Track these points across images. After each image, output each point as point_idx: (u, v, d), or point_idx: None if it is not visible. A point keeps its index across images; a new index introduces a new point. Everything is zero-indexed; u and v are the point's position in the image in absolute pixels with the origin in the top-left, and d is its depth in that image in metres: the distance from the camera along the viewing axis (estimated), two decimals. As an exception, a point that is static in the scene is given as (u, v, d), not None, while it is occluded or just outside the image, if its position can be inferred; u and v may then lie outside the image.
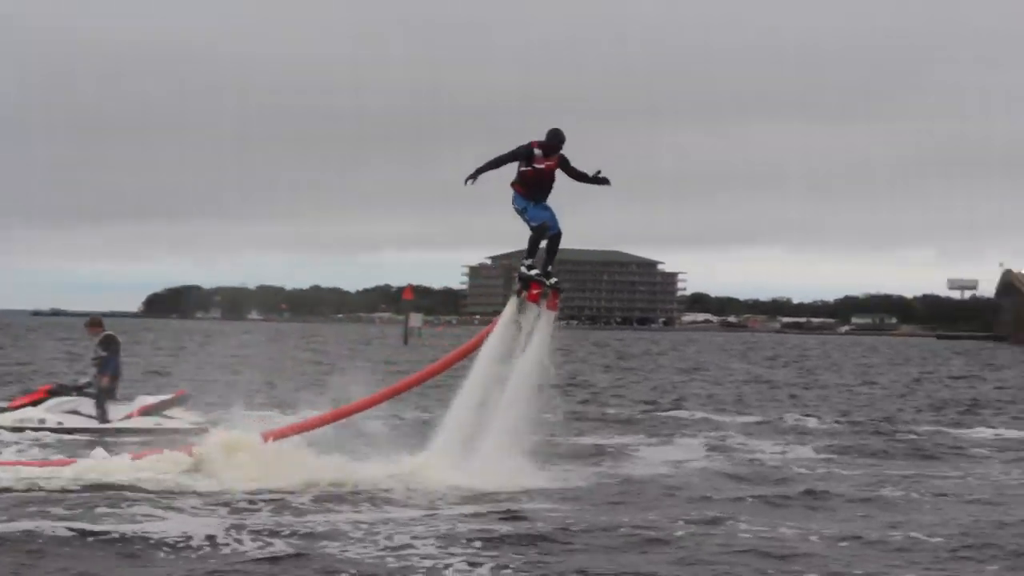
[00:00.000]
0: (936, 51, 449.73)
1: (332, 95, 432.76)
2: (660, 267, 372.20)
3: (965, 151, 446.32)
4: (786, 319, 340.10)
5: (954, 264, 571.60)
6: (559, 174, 21.45)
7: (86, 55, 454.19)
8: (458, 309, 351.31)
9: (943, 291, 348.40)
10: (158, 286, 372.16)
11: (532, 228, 21.54)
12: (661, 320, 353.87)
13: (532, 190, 21.32)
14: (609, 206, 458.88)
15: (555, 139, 21.21)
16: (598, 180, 21.68)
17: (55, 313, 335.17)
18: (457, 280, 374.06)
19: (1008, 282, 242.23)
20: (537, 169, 21.19)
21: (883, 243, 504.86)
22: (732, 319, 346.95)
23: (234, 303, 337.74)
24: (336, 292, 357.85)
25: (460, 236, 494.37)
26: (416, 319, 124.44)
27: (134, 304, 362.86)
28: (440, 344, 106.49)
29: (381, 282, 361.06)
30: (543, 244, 21.87)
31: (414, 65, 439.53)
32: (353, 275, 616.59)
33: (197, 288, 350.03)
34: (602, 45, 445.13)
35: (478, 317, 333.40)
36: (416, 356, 77.12)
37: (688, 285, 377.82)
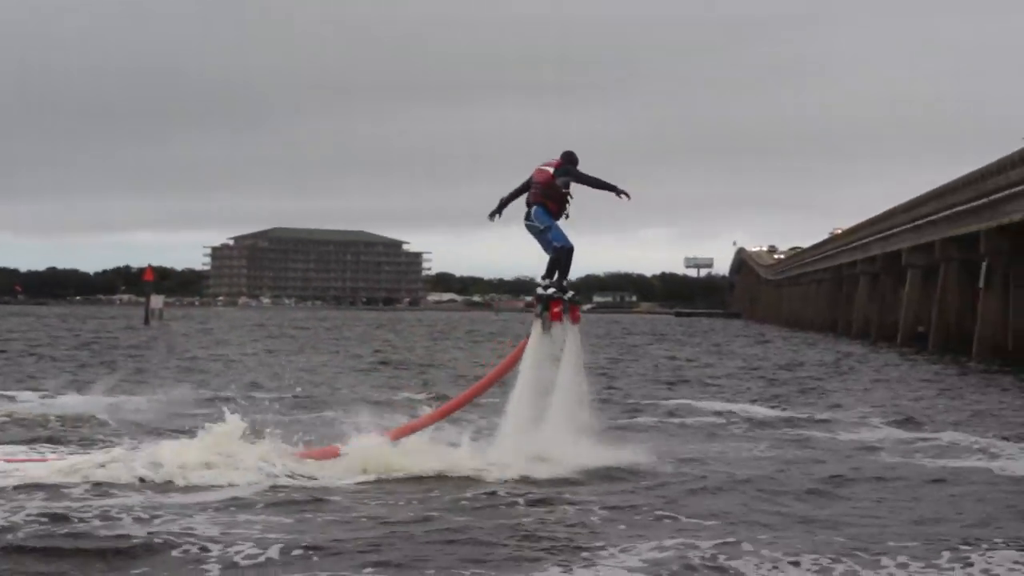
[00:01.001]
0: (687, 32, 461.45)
1: (68, 69, 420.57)
2: (405, 247, 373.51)
3: (700, 134, 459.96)
4: (529, 298, 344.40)
5: (690, 243, 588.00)
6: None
7: None
8: (200, 290, 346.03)
9: (680, 269, 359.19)
10: None
11: (555, 248, 21.60)
12: (407, 300, 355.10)
13: (559, 208, 21.48)
14: (354, 186, 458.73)
15: (571, 160, 21.57)
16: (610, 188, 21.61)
17: None
18: (199, 261, 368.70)
19: (741, 260, 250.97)
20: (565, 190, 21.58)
21: (622, 223, 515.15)
22: (477, 298, 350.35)
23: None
24: (74, 273, 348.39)
25: (202, 217, 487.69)
26: (157, 300, 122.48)
27: None
28: (183, 326, 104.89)
29: (121, 263, 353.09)
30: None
31: (157, 43, 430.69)
32: (92, 256, 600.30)
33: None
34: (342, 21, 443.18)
35: (221, 298, 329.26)
36: (158, 336, 75.87)
37: (433, 265, 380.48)
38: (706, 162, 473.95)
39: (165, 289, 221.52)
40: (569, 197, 21.45)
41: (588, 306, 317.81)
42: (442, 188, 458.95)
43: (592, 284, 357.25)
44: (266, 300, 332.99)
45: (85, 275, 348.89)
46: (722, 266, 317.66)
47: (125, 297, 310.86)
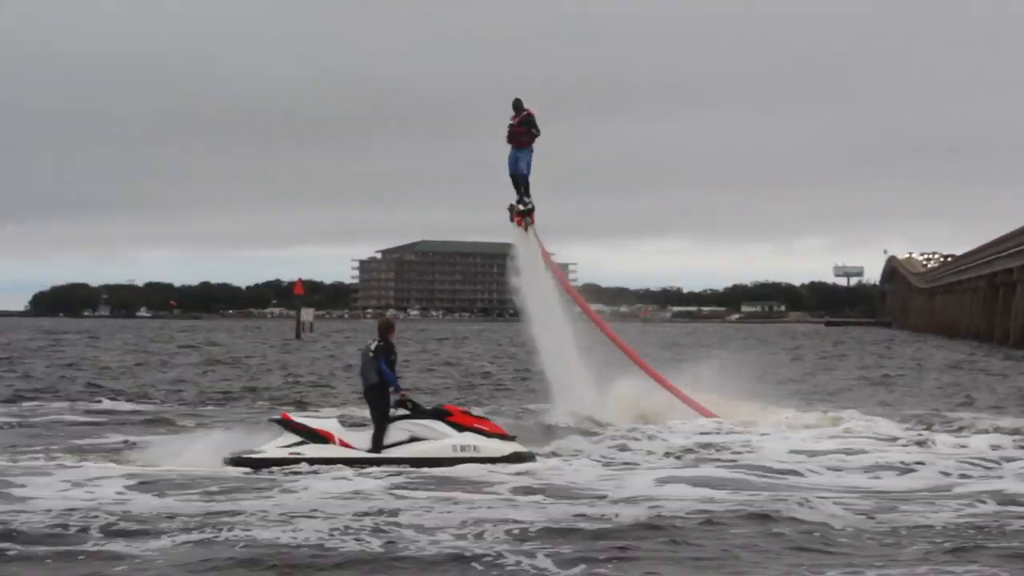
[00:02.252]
0: (827, 43, 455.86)
1: (208, 87, 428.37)
2: (553, 258, 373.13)
3: (851, 141, 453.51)
4: (677, 308, 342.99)
5: (840, 252, 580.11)
6: None
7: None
8: (349, 304, 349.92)
9: (830, 278, 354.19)
10: (44, 284, 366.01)
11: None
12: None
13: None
14: (500, 200, 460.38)
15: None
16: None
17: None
18: (347, 275, 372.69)
19: (892, 268, 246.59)
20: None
21: (771, 232, 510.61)
22: (624, 309, 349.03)
23: (123, 301, 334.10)
24: (226, 288, 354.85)
25: (350, 231, 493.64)
26: (308, 314, 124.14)
27: (20, 303, 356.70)
28: (332, 338, 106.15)
29: (272, 277, 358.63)
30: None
31: (299, 56, 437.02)
32: (243, 271, 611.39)
33: (84, 286, 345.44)
34: (511, 33, 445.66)
35: (369, 311, 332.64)
36: (307, 350, 76.85)
37: (579, 276, 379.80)
38: (861, 169, 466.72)
39: (315, 302, 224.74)
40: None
41: (734, 316, 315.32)
42: (588, 200, 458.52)
43: (740, 294, 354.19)
44: (414, 312, 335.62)
45: (237, 289, 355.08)
46: (872, 274, 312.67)
47: (276, 311, 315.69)
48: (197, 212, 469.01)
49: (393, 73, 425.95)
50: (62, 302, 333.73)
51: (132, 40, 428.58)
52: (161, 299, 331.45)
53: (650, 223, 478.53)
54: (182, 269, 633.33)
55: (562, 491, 18.65)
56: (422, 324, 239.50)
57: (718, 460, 22.67)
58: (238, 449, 21.56)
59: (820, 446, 24.76)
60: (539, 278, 31.90)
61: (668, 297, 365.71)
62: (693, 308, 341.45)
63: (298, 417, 22.75)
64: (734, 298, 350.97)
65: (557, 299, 31.82)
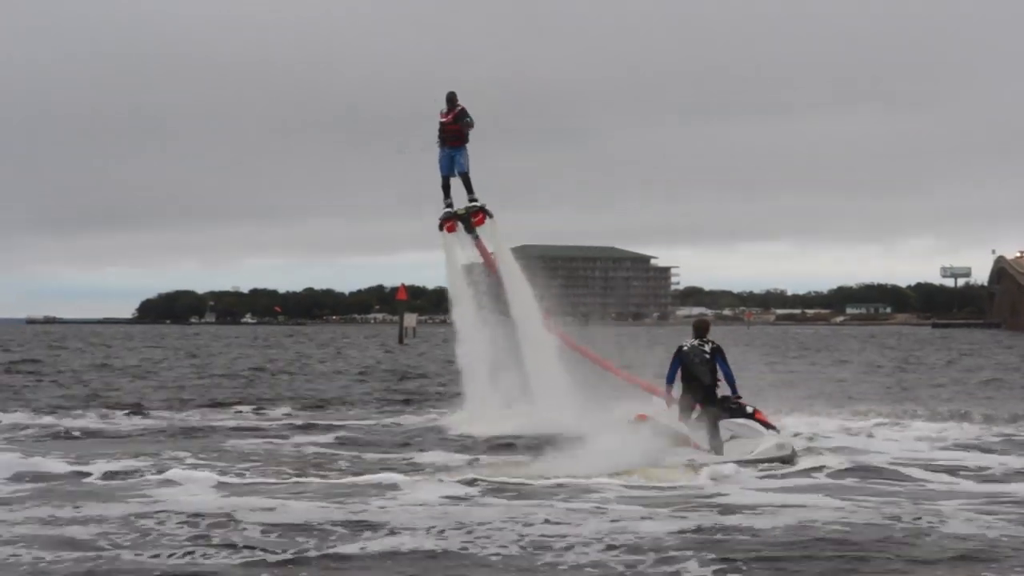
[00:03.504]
0: (936, 39, 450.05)
1: (320, 93, 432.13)
2: (653, 262, 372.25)
3: (957, 140, 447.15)
4: (780, 311, 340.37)
5: (947, 253, 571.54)
6: None
7: (84, 57, 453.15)
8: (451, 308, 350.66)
9: (936, 279, 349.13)
10: (151, 292, 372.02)
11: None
12: (655, 315, 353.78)
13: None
14: (603, 202, 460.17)
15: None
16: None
17: (48, 321, 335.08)
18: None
19: (1000, 269, 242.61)
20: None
21: (875, 233, 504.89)
22: (727, 312, 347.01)
23: (228, 307, 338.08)
24: (330, 294, 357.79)
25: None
26: (411, 319, 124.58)
27: (127, 311, 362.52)
28: (434, 343, 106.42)
29: (374, 283, 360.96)
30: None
31: (407, 60, 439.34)
32: (347, 277, 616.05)
33: (191, 293, 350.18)
34: (600, 39, 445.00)
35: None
36: (407, 356, 76.98)
37: (681, 279, 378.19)
38: (968, 168, 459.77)
39: (418, 308, 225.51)
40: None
41: (839, 318, 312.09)
42: (693, 202, 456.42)
43: (844, 296, 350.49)
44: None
45: (340, 295, 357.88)
46: (980, 275, 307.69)
47: (379, 316, 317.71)
48: (302, 218, 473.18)
49: (504, 75, 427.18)
50: (168, 309, 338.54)
51: (244, 48, 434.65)
52: (266, 305, 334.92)
53: (754, 225, 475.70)
54: (286, 275, 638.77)
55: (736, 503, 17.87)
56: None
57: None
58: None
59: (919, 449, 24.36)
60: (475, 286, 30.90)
61: (771, 300, 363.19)
62: (797, 311, 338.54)
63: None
64: (839, 300, 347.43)
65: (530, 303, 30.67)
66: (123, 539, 14.84)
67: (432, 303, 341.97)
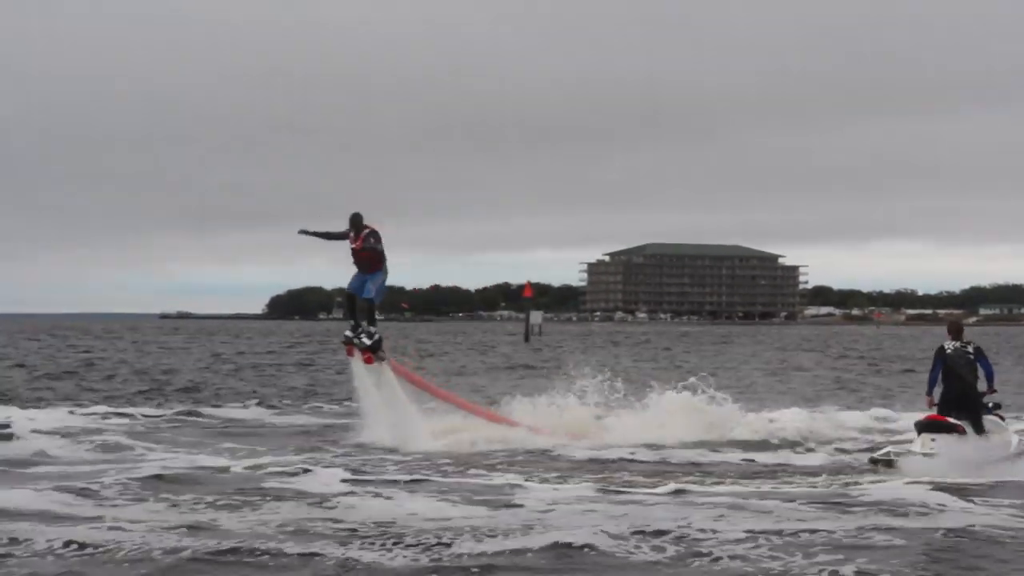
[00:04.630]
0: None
1: (447, 96, 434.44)
2: (781, 260, 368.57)
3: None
4: (911, 311, 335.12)
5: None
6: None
7: (223, 62, 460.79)
8: (577, 306, 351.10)
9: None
10: (280, 289, 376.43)
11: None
12: (783, 314, 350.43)
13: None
14: (727, 202, 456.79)
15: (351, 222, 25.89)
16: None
17: (181, 316, 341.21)
18: (576, 277, 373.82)
19: None
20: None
21: (1011, 233, 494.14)
22: (856, 312, 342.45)
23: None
24: (456, 291, 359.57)
25: (578, 234, 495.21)
26: (536, 316, 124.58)
27: (257, 307, 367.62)
28: (560, 341, 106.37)
29: (500, 280, 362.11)
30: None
31: (540, 62, 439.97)
32: (473, 274, 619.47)
33: (319, 290, 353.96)
34: (729, 39, 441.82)
35: (597, 314, 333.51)
36: (535, 353, 76.87)
37: (810, 278, 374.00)
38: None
39: (543, 305, 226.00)
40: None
41: (972, 319, 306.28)
42: (823, 201, 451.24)
43: (978, 296, 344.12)
44: (641, 315, 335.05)
45: (467, 292, 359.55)
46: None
47: (505, 313, 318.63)
48: (430, 217, 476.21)
49: (634, 76, 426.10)
50: (297, 305, 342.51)
51: (378, 54, 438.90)
52: (392, 302, 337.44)
53: (885, 224, 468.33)
54: (413, 272, 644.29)
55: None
56: (659, 327, 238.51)
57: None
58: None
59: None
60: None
61: (902, 300, 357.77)
62: (928, 311, 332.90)
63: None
64: (972, 301, 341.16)
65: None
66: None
67: (557, 300, 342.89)
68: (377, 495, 18.05)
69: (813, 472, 21.66)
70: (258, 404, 35.00)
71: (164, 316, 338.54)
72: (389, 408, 25.69)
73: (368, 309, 25.91)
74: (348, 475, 19.96)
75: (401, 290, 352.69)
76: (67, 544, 14.04)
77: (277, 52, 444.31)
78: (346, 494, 17.97)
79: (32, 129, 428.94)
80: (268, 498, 17.59)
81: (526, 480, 19.97)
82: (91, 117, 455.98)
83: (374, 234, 25.56)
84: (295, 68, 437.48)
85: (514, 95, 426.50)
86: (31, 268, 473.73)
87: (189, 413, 31.49)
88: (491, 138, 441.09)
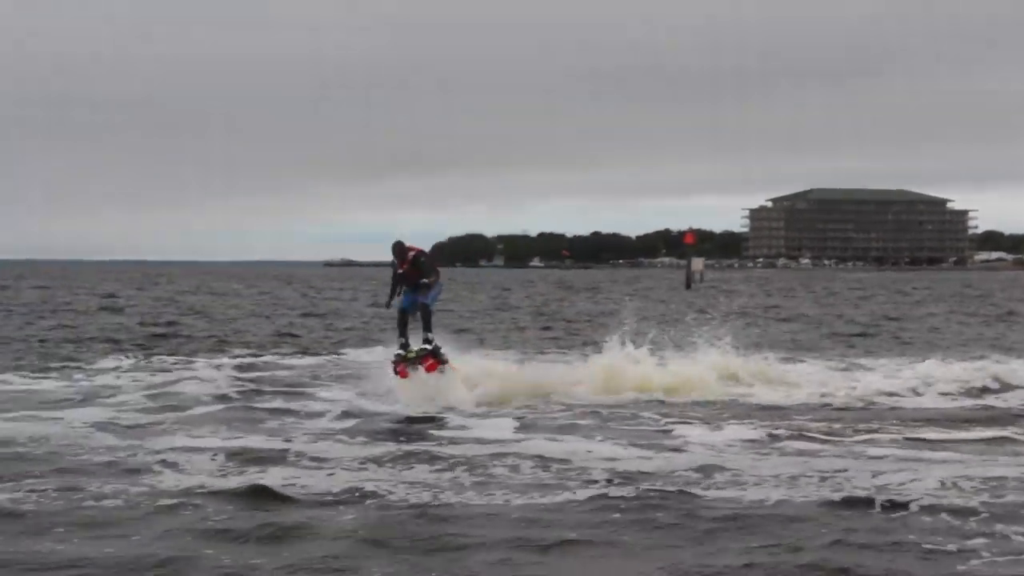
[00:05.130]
0: None
1: (614, 42, 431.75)
2: (949, 205, 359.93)
3: None
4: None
5: None
6: None
7: (382, 11, 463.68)
8: (739, 253, 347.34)
9: None
10: (442, 235, 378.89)
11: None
12: (951, 259, 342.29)
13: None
14: (894, 146, 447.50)
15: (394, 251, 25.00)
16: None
17: (345, 263, 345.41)
18: (737, 223, 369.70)
19: None
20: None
21: None
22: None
23: (516, 251, 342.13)
24: (616, 238, 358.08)
25: (740, 179, 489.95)
26: (698, 263, 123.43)
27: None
28: (721, 289, 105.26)
29: (661, 227, 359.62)
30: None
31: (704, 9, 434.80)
32: (634, 221, 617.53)
33: (480, 237, 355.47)
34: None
35: (760, 260, 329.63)
36: (699, 300, 76.14)
37: (980, 223, 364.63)
38: None
39: (704, 252, 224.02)
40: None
41: None
42: (986, 146, 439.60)
43: None
44: (805, 261, 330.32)
45: (627, 239, 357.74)
46: None
47: (666, 260, 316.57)
48: (594, 163, 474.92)
49: (799, 15, 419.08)
50: (459, 252, 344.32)
51: (544, 4, 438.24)
52: (553, 249, 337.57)
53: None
54: (575, 219, 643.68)
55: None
56: (824, 273, 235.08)
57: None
58: None
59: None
60: None
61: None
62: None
63: None
64: None
65: None
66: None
67: (719, 247, 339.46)
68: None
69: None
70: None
71: (328, 264, 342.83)
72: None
73: (426, 315, 24.65)
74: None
75: (561, 237, 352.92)
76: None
77: (440, 2, 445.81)
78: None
79: (200, 85, 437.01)
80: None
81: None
82: (253, 72, 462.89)
83: (421, 254, 24.91)
84: (454, 17, 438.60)
85: (677, 40, 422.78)
86: (199, 218, 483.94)
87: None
88: (653, 83, 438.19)
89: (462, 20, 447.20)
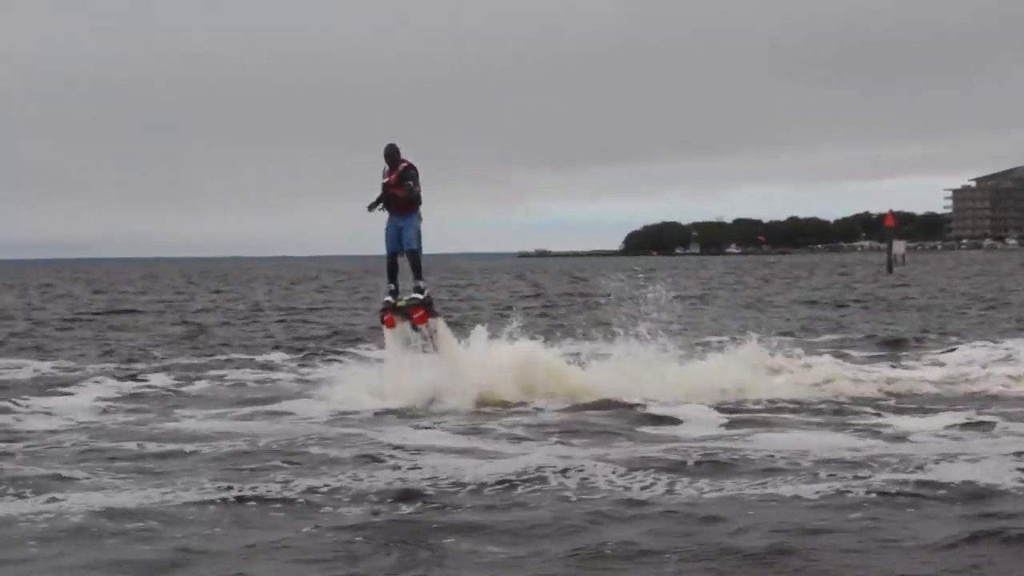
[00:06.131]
0: None
1: (806, 24, 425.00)
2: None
3: None
4: None
5: None
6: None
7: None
8: (942, 235, 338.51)
9: None
10: (636, 224, 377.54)
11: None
12: None
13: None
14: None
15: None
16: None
17: (540, 254, 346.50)
18: (940, 205, 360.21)
19: None
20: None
21: None
22: None
23: (712, 238, 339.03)
24: (814, 222, 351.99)
25: (941, 159, 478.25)
26: (899, 246, 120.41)
27: (614, 243, 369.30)
28: (924, 272, 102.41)
29: (860, 210, 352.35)
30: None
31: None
32: (832, 205, 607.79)
33: (675, 224, 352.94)
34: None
35: (964, 242, 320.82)
36: (900, 283, 74.02)
37: None
38: None
39: (905, 234, 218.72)
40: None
41: None
42: None
43: None
44: (1011, 241, 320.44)
45: (825, 223, 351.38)
46: None
47: (866, 244, 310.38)
48: (790, 147, 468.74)
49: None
50: (654, 241, 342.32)
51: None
52: (749, 235, 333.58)
53: None
54: (771, 204, 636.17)
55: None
56: None
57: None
58: None
59: None
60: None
61: None
62: None
63: None
64: None
65: None
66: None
67: (921, 229, 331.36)
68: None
69: None
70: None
71: (523, 255, 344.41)
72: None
73: (414, 261, 22.48)
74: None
75: (757, 223, 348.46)
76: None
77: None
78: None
79: (400, 72, 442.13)
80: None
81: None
82: (459, 61, 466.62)
83: (411, 168, 22.33)
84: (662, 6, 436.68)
85: (872, 16, 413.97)
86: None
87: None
88: (847, 64, 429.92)
89: (674, 9, 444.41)
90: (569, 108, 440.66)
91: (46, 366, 28.23)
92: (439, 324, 22.83)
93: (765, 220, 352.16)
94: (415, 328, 22.48)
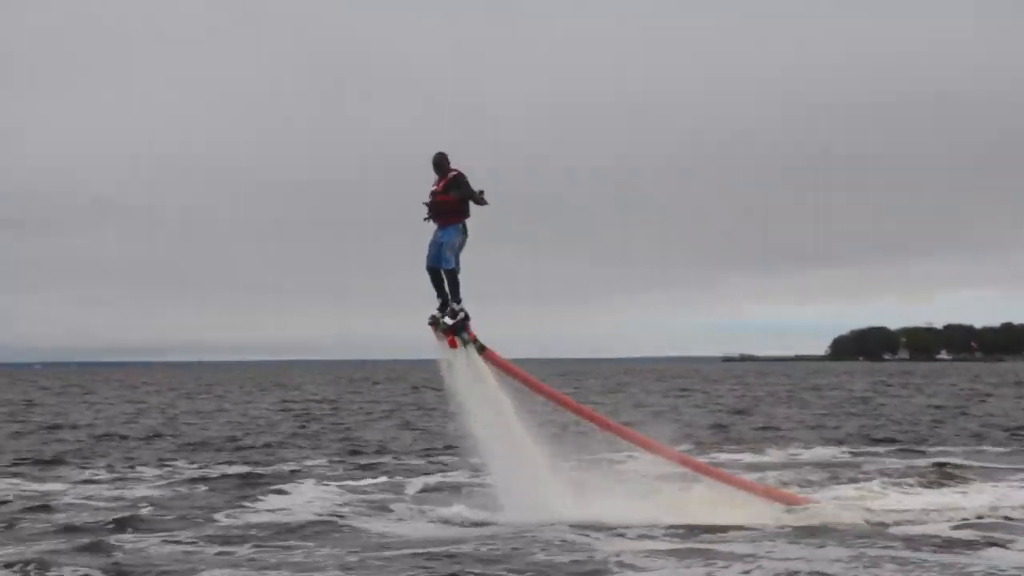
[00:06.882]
0: None
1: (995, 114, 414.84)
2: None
3: None
4: None
5: None
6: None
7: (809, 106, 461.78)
8: None
9: None
10: (843, 329, 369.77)
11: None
12: None
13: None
14: None
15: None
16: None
17: (744, 358, 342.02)
18: None
19: None
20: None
21: None
22: None
23: (921, 343, 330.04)
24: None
25: None
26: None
27: (820, 348, 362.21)
28: None
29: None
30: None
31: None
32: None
33: (882, 329, 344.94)
34: None
35: None
36: None
37: None
38: None
39: None
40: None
41: None
42: None
43: None
44: None
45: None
46: None
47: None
48: (1003, 250, 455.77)
49: None
50: (861, 346, 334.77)
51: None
52: (961, 341, 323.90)
53: None
54: (983, 309, 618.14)
55: None
56: None
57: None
58: None
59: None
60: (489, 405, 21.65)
61: None
62: None
63: None
64: None
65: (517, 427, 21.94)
66: None
67: None
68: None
69: None
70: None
71: (727, 359, 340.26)
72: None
73: (451, 280, 21.47)
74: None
75: (970, 328, 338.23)
76: None
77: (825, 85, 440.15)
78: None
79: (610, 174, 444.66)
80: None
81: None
82: (679, 151, 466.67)
83: (461, 176, 21.32)
84: (839, 97, 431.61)
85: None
86: (604, 316, 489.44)
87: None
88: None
89: (847, 100, 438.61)
90: (773, 210, 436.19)
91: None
92: (474, 358, 21.70)
93: (978, 326, 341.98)
94: (469, 345, 21.63)
